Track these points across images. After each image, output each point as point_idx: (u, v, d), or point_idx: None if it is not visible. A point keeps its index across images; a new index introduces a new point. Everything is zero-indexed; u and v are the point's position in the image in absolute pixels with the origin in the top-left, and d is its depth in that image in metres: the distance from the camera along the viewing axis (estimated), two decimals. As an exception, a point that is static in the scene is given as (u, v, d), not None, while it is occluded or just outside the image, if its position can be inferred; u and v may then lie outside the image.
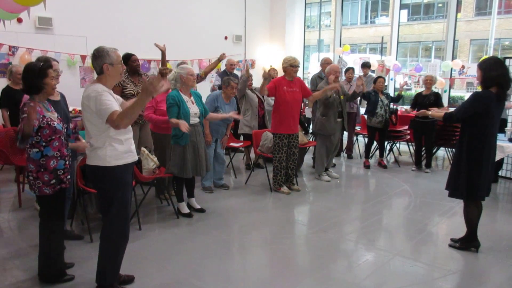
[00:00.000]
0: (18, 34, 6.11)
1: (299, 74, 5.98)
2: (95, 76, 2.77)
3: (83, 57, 6.72)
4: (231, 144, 5.94)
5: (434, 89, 6.48)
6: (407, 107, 7.16)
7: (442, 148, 7.28)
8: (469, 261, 3.47)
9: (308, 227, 4.29)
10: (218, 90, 5.60)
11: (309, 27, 18.71)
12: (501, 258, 3.51)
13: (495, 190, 5.56)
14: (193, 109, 4.21)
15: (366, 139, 6.83)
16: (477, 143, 3.38)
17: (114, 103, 2.57)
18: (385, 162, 6.80)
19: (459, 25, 15.38)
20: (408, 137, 6.97)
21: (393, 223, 4.40)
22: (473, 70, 7.71)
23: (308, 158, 6.81)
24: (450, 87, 8.60)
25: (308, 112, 7.41)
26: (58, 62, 3.72)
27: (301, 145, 5.70)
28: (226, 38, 9.09)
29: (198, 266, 3.30)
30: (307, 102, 6.99)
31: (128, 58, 4.76)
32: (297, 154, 5.29)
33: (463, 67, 8.13)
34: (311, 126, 6.86)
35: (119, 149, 2.64)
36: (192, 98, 4.29)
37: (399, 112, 7.20)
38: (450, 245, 3.71)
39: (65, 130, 2.96)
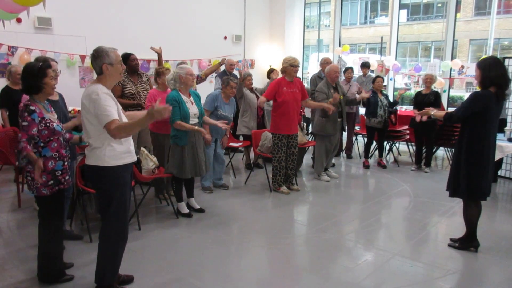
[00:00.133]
0: (18, 34, 6.10)
1: (299, 74, 5.99)
2: (95, 76, 2.76)
3: (83, 57, 6.72)
4: (231, 144, 5.94)
5: (433, 88, 6.48)
6: (408, 108, 7.16)
7: (441, 148, 7.28)
8: (468, 261, 3.47)
9: (308, 227, 4.29)
10: (218, 90, 5.61)
11: (309, 27, 18.70)
12: (500, 258, 3.51)
13: (495, 190, 5.56)
14: (193, 109, 4.21)
15: (366, 139, 6.84)
16: (477, 143, 3.38)
17: (113, 109, 2.54)
18: (385, 162, 6.81)
19: (459, 25, 15.39)
20: (408, 137, 6.97)
21: (392, 223, 4.40)
22: (472, 70, 7.67)
23: (307, 158, 6.81)
24: (450, 87, 8.60)
25: (307, 112, 7.42)
26: (56, 63, 3.72)
27: (301, 145, 5.70)
28: (225, 38, 9.09)
29: (197, 266, 3.30)
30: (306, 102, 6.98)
31: (127, 58, 4.77)
32: (296, 154, 5.29)
33: (462, 67, 8.13)
34: (310, 126, 6.87)
35: (118, 149, 2.63)
36: (191, 98, 4.29)
37: (398, 112, 7.20)
38: (449, 245, 3.71)
39: (63, 130, 2.96)
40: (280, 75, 5.41)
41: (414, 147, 6.79)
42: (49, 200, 2.86)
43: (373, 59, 9.29)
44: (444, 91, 8.32)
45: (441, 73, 8.31)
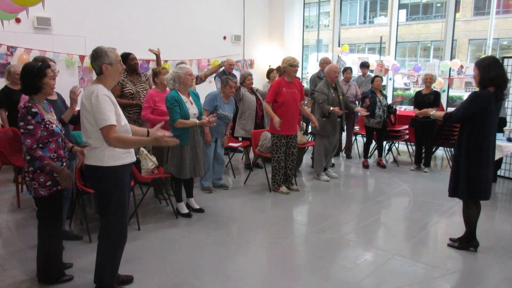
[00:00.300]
0: (17, 34, 6.09)
1: (298, 74, 5.99)
2: (94, 76, 2.76)
3: (82, 57, 6.71)
4: (230, 144, 5.93)
5: (433, 88, 6.49)
6: (408, 107, 7.16)
7: (441, 148, 7.28)
8: (468, 261, 3.47)
9: (307, 227, 4.29)
10: (217, 90, 5.61)
11: (308, 27, 18.69)
12: (499, 257, 3.51)
13: (494, 190, 5.56)
14: (192, 109, 4.21)
15: (365, 139, 6.84)
16: (476, 143, 3.38)
17: (111, 113, 2.53)
18: (384, 162, 6.81)
19: (458, 25, 15.40)
20: (407, 137, 6.98)
21: (392, 223, 4.40)
22: (471, 70, 7.69)
23: (307, 158, 6.81)
24: (449, 87, 8.61)
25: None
26: (55, 63, 3.70)
27: (300, 145, 5.70)
28: (225, 38, 9.09)
29: (197, 266, 3.30)
30: (306, 102, 6.99)
31: (126, 57, 4.76)
32: (295, 154, 5.29)
33: (461, 67, 8.14)
34: (310, 126, 6.87)
35: (117, 149, 2.63)
36: (190, 98, 4.29)
37: (398, 112, 7.20)
38: (449, 245, 3.71)
39: (63, 131, 2.96)
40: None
41: (414, 147, 6.80)
42: (47, 201, 2.85)
43: (373, 59, 9.31)
44: (444, 91, 8.33)
45: (440, 73, 8.32)
